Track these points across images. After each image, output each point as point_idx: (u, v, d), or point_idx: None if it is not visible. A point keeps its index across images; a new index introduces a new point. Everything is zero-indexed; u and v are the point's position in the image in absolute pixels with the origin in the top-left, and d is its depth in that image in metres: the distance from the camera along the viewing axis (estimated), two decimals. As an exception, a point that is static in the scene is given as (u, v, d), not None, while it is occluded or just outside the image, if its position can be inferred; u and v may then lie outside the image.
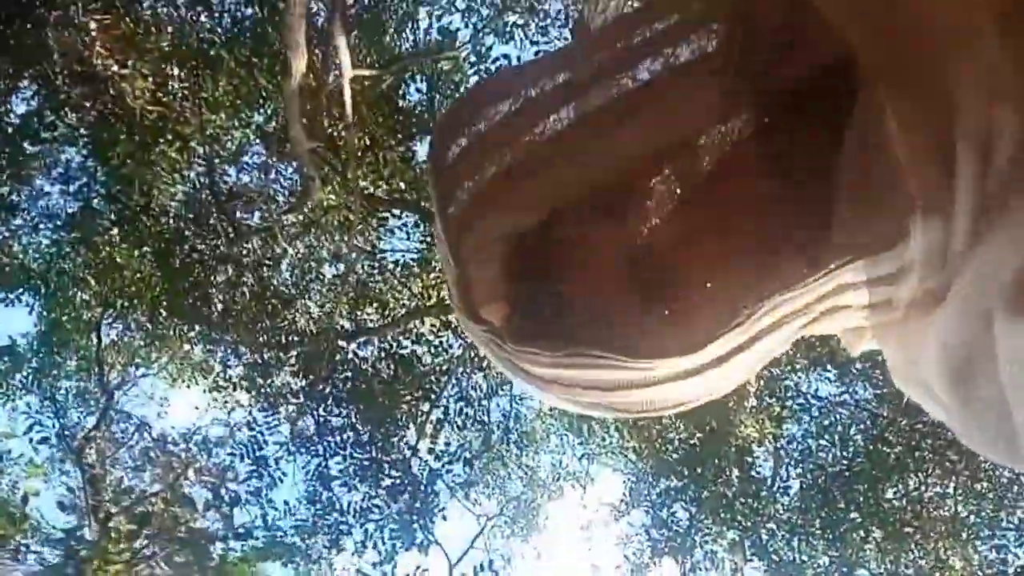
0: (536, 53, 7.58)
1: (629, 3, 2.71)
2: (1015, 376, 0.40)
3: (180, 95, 6.92)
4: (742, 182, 0.56)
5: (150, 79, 6.96)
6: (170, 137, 6.84)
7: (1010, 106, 0.41)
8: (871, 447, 8.39)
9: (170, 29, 7.02)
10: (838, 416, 8.90)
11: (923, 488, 8.48)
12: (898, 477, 8.33)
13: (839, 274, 0.48)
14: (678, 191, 0.56)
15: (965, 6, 0.45)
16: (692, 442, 8.10)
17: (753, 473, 8.42)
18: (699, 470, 7.94)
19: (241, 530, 5.87)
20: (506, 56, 7.41)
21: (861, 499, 7.97)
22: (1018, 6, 0.42)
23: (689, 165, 0.57)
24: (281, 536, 6.19)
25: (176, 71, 6.93)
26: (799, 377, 8.77)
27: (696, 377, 0.50)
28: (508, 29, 7.65)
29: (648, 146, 0.57)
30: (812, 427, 8.86)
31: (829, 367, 8.77)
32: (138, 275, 7.05)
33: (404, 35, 7.79)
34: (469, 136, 0.56)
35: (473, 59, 7.27)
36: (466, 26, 7.39)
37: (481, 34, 7.26)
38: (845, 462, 8.36)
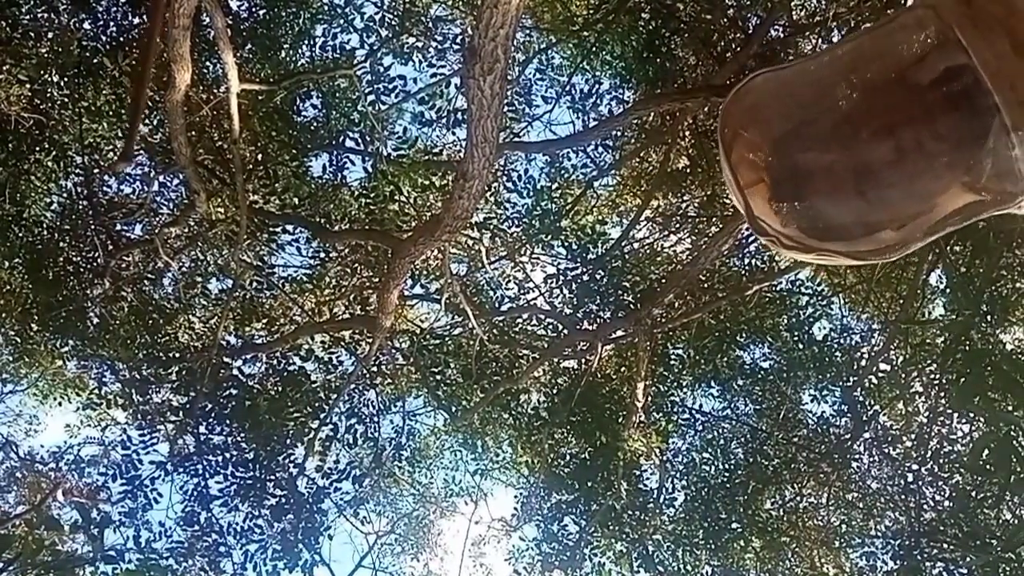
0: (432, 76, 7.74)
1: (513, 32, 2.86)
2: None
3: (59, 103, 6.70)
4: (934, 117, 0.75)
5: (27, 85, 6.73)
6: (47, 145, 6.61)
7: None
8: (751, 460, 8.78)
9: (50, 35, 6.80)
10: (720, 430, 9.30)
11: (799, 498, 8.92)
12: (775, 488, 8.73)
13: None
14: (891, 120, 0.75)
15: None
16: (582, 456, 8.28)
17: (640, 486, 8.65)
18: (589, 484, 8.10)
19: (112, 553, 5.63)
20: (403, 77, 7.54)
21: (741, 509, 8.28)
22: None
23: (898, 102, 0.75)
24: (155, 558, 5.99)
25: (56, 78, 6.71)
26: (684, 393, 9.12)
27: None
28: (406, 50, 7.78)
29: (868, 84, 0.77)
30: (696, 441, 9.22)
31: (713, 384, 9.18)
32: (7, 287, 6.73)
33: (300, 51, 7.80)
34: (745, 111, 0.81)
35: (370, 78, 7.35)
36: (362, 46, 7.47)
37: (379, 54, 7.34)
38: (726, 474, 8.70)
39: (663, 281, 7.90)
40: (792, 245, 0.83)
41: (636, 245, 9.05)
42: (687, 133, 7.89)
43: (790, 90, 0.81)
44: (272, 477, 6.57)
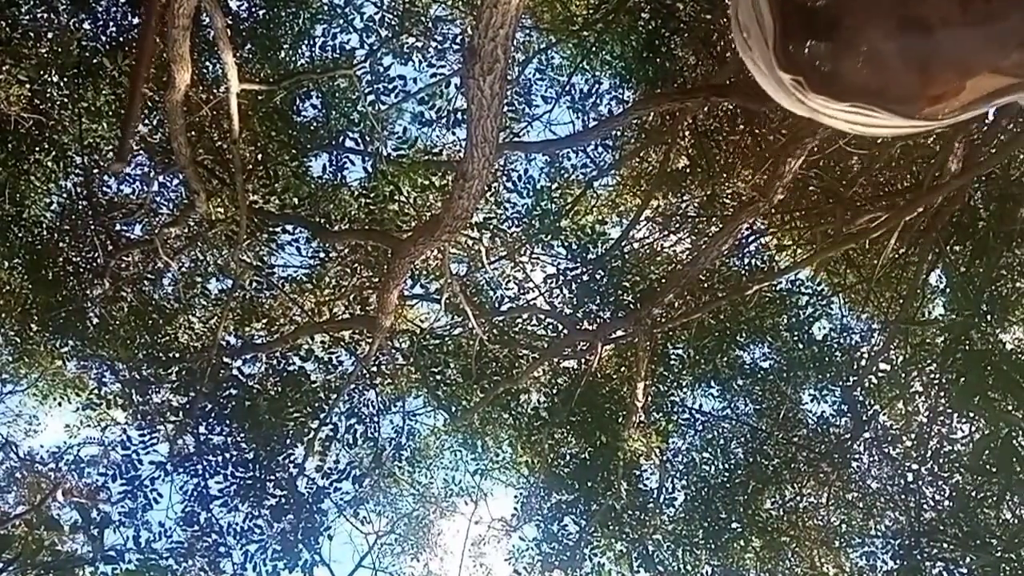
0: (432, 76, 7.74)
1: (513, 32, 2.86)
2: None
3: (59, 103, 6.70)
4: None
5: (27, 86, 6.73)
6: (47, 145, 6.61)
7: None
8: (751, 460, 8.78)
9: (50, 36, 6.80)
10: (720, 430, 9.30)
11: (798, 498, 8.92)
12: (775, 488, 8.73)
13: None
14: None
15: None
16: (582, 456, 8.28)
17: (640, 486, 8.65)
18: (589, 484, 8.09)
19: (112, 553, 5.63)
20: (402, 77, 7.54)
21: (741, 509, 8.28)
22: None
23: None
24: (155, 559, 5.99)
25: (55, 78, 6.71)
26: (684, 393, 9.12)
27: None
28: (405, 50, 7.78)
29: None
30: (696, 441, 9.22)
31: (713, 383, 9.18)
32: (7, 287, 6.73)
33: (300, 51, 7.80)
34: None
35: (370, 78, 7.35)
36: (362, 46, 7.47)
37: (379, 54, 7.34)
38: (726, 474, 8.70)
39: (663, 281, 7.90)
40: (823, 88, 0.73)
41: (636, 245, 9.05)
42: (687, 133, 7.89)
43: None
44: (272, 477, 6.56)
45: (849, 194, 7.19)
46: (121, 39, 6.74)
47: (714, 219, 8.11)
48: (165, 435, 6.60)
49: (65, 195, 6.98)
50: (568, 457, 8.42)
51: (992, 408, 5.42)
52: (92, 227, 6.73)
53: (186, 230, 7.09)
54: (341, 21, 7.53)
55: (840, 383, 8.34)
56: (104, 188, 7.27)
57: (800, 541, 8.66)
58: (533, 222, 7.99)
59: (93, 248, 6.83)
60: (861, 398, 8.06)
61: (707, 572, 8.42)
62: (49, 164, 6.56)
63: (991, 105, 0.75)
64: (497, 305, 8.50)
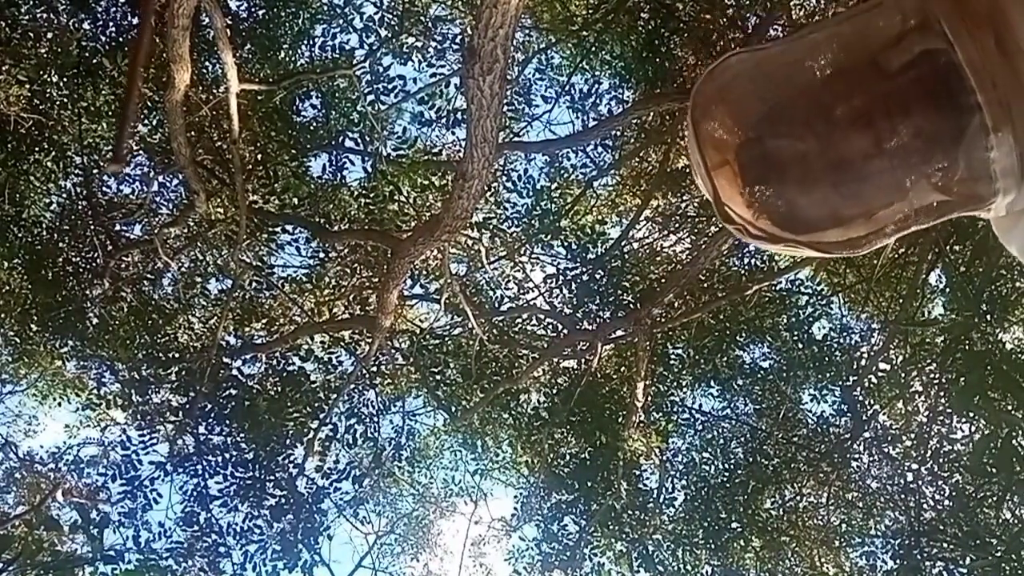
0: (432, 76, 7.75)
1: (512, 32, 2.85)
2: None
3: (58, 103, 6.70)
4: (912, 109, 0.72)
5: (27, 86, 6.73)
6: (46, 146, 6.60)
7: None
8: (750, 459, 8.77)
9: (49, 36, 6.80)
10: (720, 430, 9.30)
11: (798, 498, 8.92)
12: (775, 488, 8.73)
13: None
14: (868, 110, 0.73)
15: None
16: (582, 456, 8.28)
17: (640, 486, 8.65)
18: (589, 484, 8.10)
19: (112, 553, 5.63)
20: (402, 76, 7.54)
21: (741, 509, 8.28)
22: None
23: (875, 91, 0.73)
24: (155, 559, 5.99)
25: (55, 78, 6.71)
26: (684, 393, 9.12)
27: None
28: (405, 50, 7.78)
29: (841, 72, 0.75)
30: (696, 441, 9.22)
31: (712, 383, 9.18)
32: (7, 287, 6.72)
33: (300, 51, 7.80)
34: (717, 86, 0.80)
35: (369, 78, 7.35)
36: (362, 46, 7.46)
37: (378, 54, 7.34)
38: (726, 474, 8.70)
39: (663, 281, 7.90)
40: (758, 235, 0.79)
41: (636, 245, 9.05)
42: (687, 133, 7.88)
43: (765, 71, 0.78)
44: (272, 477, 6.56)
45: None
46: (121, 39, 6.74)
47: (714, 219, 8.10)
48: (165, 435, 6.60)
49: (65, 195, 6.98)
50: (568, 457, 8.42)
51: (992, 408, 5.42)
52: (92, 227, 6.72)
53: (186, 230, 7.09)
54: (341, 21, 7.53)
55: (840, 383, 8.34)
56: (104, 188, 7.28)
57: (800, 541, 8.65)
58: (533, 222, 7.99)
59: (93, 248, 6.83)
60: (861, 398, 8.06)
61: (707, 572, 8.42)
62: (49, 164, 6.55)
63: (930, 221, 0.78)
64: (497, 305, 8.50)
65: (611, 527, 8.14)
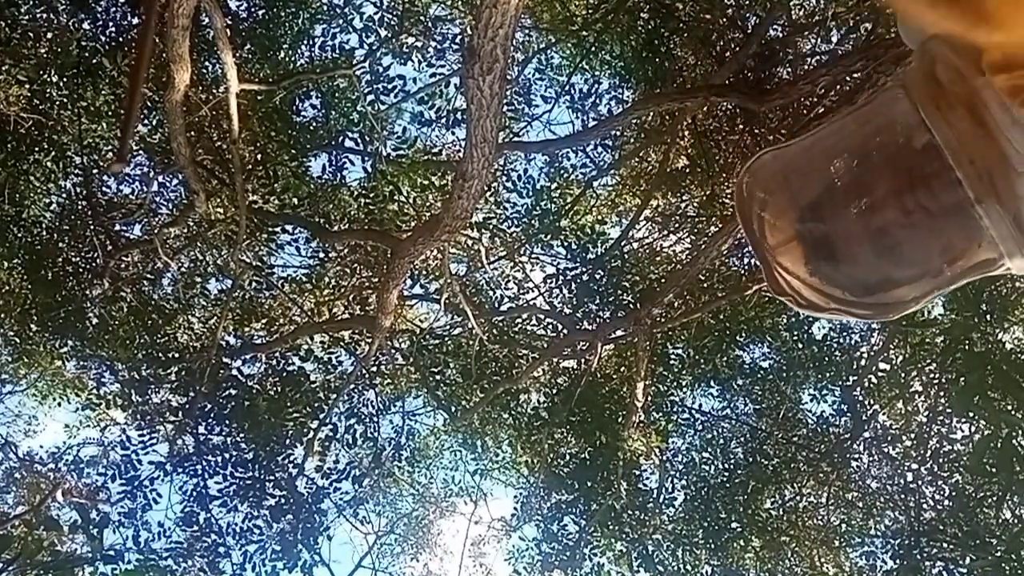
0: (432, 76, 7.75)
1: (512, 32, 2.85)
2: None
3: (58, 103, 6.70)
4: (929, 182, 0.79)
5: (27, 86, 6.73)
6: (46, 146, 6.60)
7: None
8: (750, 459, 8.78)
9: (49, 36, 6.80)
10: (720, 430, 9.30)
11: (798, 498, 8.92)
12: (775, 488, 8.73)
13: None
14: (895, 186, 0.80)
15: None
16: (582, 456, 8.29)
17: (640, 486, 8.65)
18: (588, 484, 8.10)
19: (111, 553, 5.63)
20: (402, 76, 7.54)
21: (741, 509, 8.28)
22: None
23: (898, 170, 0.80)
24: (154, 559, 5.99)
25: (55, 78, 6.71)
26: (684, 393, 9.12)
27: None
28: (405, 50, 7.78)
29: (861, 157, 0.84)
30: (696, 441, 9.22)
31: (712, 383, 9.18)
32: (7, 287, 6.72)
33: (300, 51, 7.80)
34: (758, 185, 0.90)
35: (369, 78, 7.35)
36: (361, 46, 7.47)
37: (378, 54, 7.34)
38: (726, 474, 8.70)
39: (663, 281, 7.90)
40: (808, 303, 0.89)
41: (636, 245, 9.05)
42: (686, 133, 7.89)
43: (799, 164, 0.88)
44: (271, 477, 6.56)
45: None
46: (121, 39, 6.74)
47: (714, 219, 8.11)
48: (164, 435, 6.60)
49: (65, 195, 6.98)
50: (568, 457, 8.42)
51: (992, 408, 5.42)
52: (92, 227, 6.72)
53: (186, 230, 7.09)
54: (341, 21, 7.53)
55: (840, 383, 8.34)
56: (104, 188, 7.28)
57: (800, 541, 8.65)
58: (533, 222, 7.99)
59: (93, 248, 6.82)
60: (861, 398, 8.06)
61: (707, 572, 8.42)
62: (49, 164, 6.55)
63: (978, 276, 0.85)
64: (497, 305, 8.50)
65: (611, 527, 8.14)
